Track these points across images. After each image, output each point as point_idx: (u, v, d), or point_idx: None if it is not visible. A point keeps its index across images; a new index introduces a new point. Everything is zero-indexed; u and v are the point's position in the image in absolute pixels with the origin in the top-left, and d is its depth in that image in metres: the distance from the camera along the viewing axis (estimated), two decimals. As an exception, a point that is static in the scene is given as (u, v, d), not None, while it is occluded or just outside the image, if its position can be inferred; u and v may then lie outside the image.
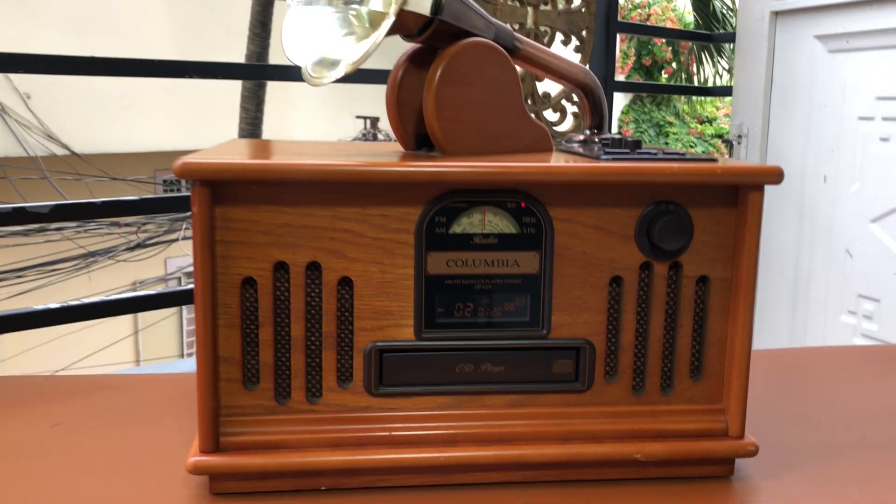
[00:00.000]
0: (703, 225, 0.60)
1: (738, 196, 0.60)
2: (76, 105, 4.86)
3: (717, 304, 0.61)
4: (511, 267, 0.59)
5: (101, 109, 4.88)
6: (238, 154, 0.58)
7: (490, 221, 0.59)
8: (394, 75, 0.64)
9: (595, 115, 0.75)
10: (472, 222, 0.58)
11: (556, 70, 0.71)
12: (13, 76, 4.73)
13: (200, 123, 5.16)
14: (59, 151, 4.82)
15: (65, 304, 1.33)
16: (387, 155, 0.62)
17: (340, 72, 0.58)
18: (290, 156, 0.58)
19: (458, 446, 0.59)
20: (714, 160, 0.60)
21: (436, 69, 0.62)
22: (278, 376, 0.58)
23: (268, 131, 4.96)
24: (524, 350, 0.60)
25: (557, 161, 0.60)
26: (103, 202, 1.12)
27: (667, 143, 7.85)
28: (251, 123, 4.79)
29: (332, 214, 0.57)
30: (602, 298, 0.60)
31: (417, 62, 0.64)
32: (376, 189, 0.57)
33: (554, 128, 1.39)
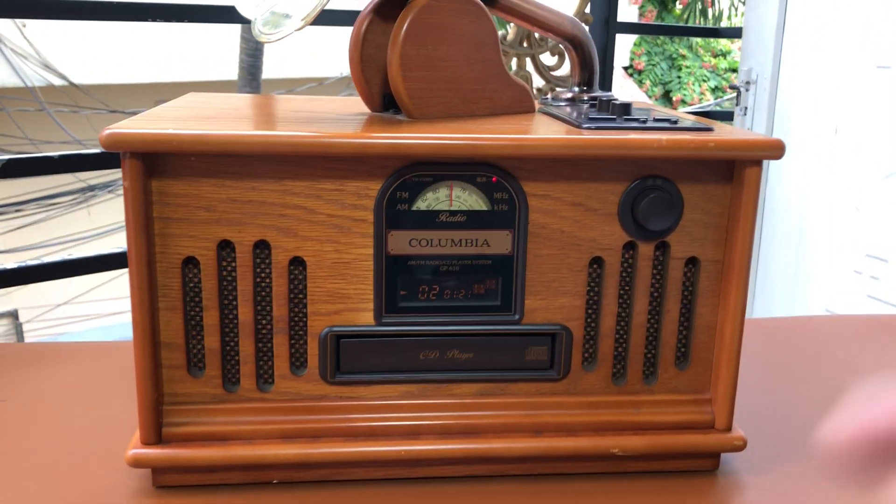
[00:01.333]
0: (693, 202, 0.54)
1: (733, 171, 0.54)
2: (72, 34, 4.74)
3: (706, 287, 0.56)
4: (481, 247, 0.54)
5: (97, 39, 4.76)
6: (179, 120, 0.52)
7: (458, 197, 0.53)
8: (357, 29, 0.58)
9: (585, 70, 0.68)
10: (438, 198, 0.53)
11: (539, 22, 0.64)
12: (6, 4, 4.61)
13: (202, 54, 5.03)
14: (57, 82, 4.73)
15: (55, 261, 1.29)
16: (347, 120, 0.56)
17: (291, 27, 0.51)
18: (235, 123, 0.52)
19: (421, 438, 0.55)
20: (709, 129, 0.54)
21: (401, 23, 0.55)
22: (226, 362, 0.54)
23: (269, 63, 4.86)
24: (495, 336, 0.55)
25: (535, 129, 0.54)
26: (60, 156, 1.06)
27: (679, 77, 7.66)
28: (251, 55, 4.67)
29: (281, 189, 0.51)
30: (581, 281, 0.55)
31: (384, 14, 0.58)
32: (330, 162, 0.51)
33: (552, 72, 1.32)
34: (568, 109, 0.62)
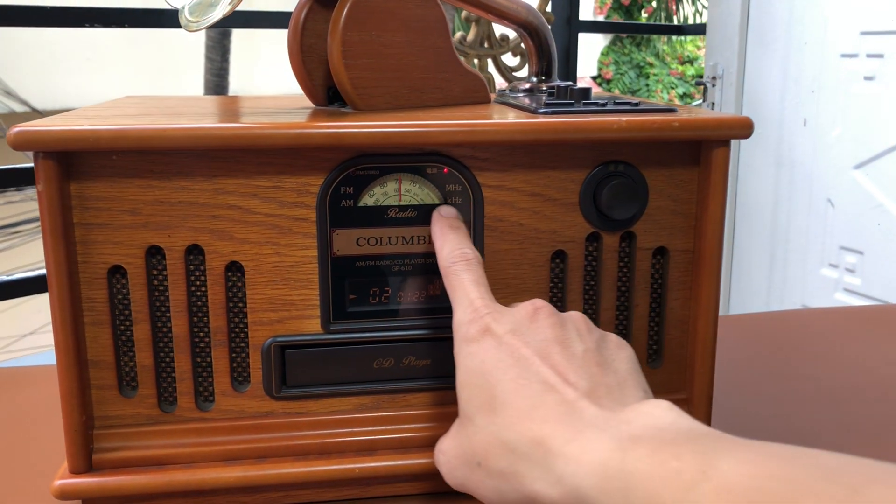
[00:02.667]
0: (659, 188, 0.51)
1: (699, 153, 0.50)
2: (34, 60, 4.67)
3: (677, 279, 0.52)
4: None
5: (60, 63, 4.69)
6: (100, 117, 0.48)
7: (407, 191, 0.49)
8: (295, 17, 0.54)
9: (542, 59, 0.65)
10: (386, 192, 0.49)
11: (491, 7, 0.61)
12: (-34, 30, 4.53)
13: (165, 75, 4.98)
14: (19, 108, 4.64)
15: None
16: (288, 113, 0.52)
17: (218, 14, 0.48)
18: (163, 119, 0.48)
19: (377, 454, 0.51)
20: (672, 110, 0.51)
21: (342, 7, 0.51)
22: (161, 380, 0.49)
23: (235, 81, 4.81)
24: (453, 340, 0.51)
25: (489, 116, 0.50)
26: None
27: (647, 86, 7.71)
28: (217, 74, 4.62)
29: (213, 188, 0.47)
30: (543, 277, 0.51)
31: (324, 1, 0.54)
32: (265, 156, 0.47)
33: (514, 73, 1.29)
34: (526, 100, 0.59)
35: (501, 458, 0.38)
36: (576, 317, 0.42)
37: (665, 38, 8.15)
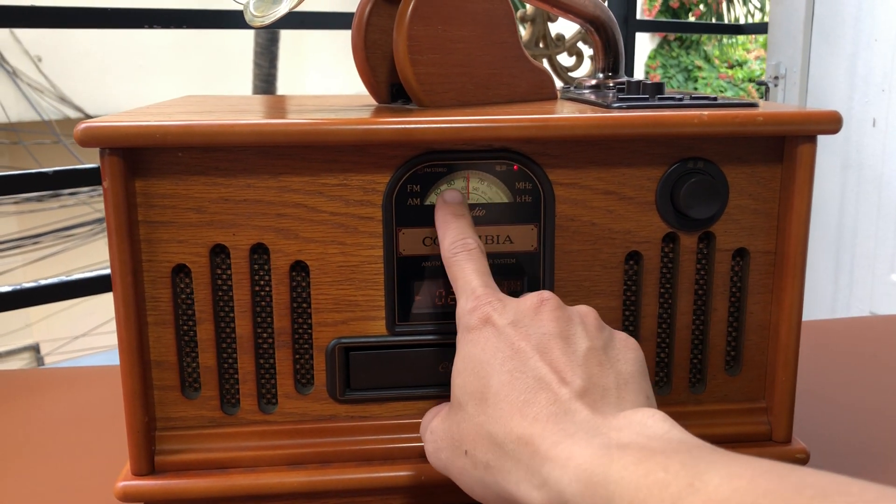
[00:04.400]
0: (740, 186, 0.48)
1: (783, 149, 0.48)
2: (87, 66, 4.77)
3: (757, 282, 0.50)
4: (503, 244, 0.48)
5: (112, 69, 4.78)
6: (165, 114, 0.47)
7: (476, 189, 0.48)
8: (360, 12, 0.53)
9: (609, 55, 0.63)
10: (454, 190, 0.47)
11: (559, 2, 0.59)
12: (23, 39, 4.64)
13: (214, 81, 5.04)
14: (73, 114, 4.74)
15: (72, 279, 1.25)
16: (352, 110, 0.51)
17: (284, 8, 0.46)
18: (227, 116, 0.47)
19: (443, 461, 0.49)
20: (754, 105, 0.48)
21: (408, 1, 0.50)
22: (224, 381, 0.48)
23: (283, 87, 4.85)
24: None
25: (559, 112, 0.48)
26: (55, 172, 1.02)
27: (695, 89, 7.60)
28: (265, 80, 4.67)
29: (278, 186, 0.46)
30: (616, 279, 0.49)
31: (388, -5, 0.53)
32: (331, 153, 0.46)
33: (569, 73, 1.27)
34: (594, 97, 0.57)
35: (488, 451, 0.37)
36: (584, 311, 0.40)
37: (714, 40, 8.03)
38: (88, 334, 4.34)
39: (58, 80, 4.71)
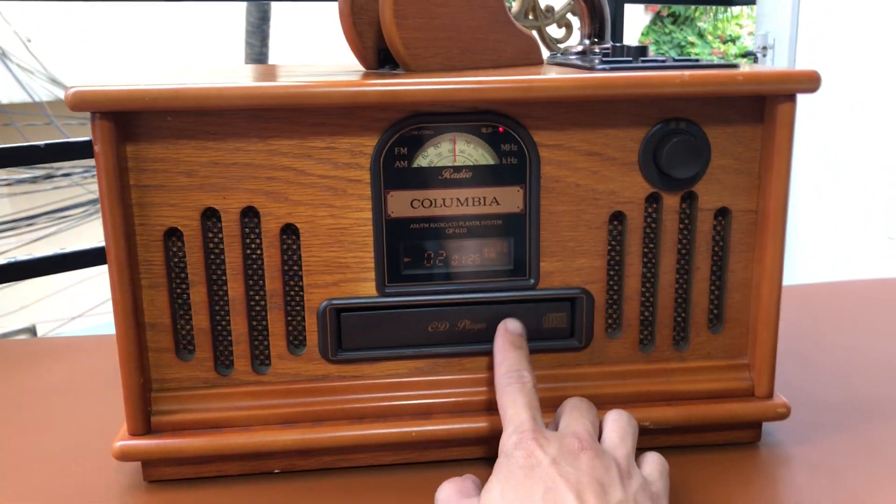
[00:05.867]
0: (721, 146, 0.49)
1: (763, 109, 0.49)
2: (77, 47, 4.74)
3: (739, 240, 0.51)
4: (489, 205, 0.49)
5: (103, 50, 4.76)
6: (155, 77, 0.48)
7: (462, 151, 0.48)
8: (346, -22, 0.53)
9: (594, 20, 0.64)
10: (441, 153, 0.48)
11: (544, -34, 0.59)
12: (13, 20, 4.61)
13: (206, 61, 5.02)
14: (64, 95, 4.72)
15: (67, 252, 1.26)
16: (339, 74, 0.51)
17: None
18: (216, 79, 0.48)
19: (433, 418, 0.50)
20: (735, 66, 0.49)
21: (393, -33, 0.50)
22: (217, 343, 0.49)
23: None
24: (509, 303, 0.50)
25: (544, 75, 0.49)
26: (46, 145, 1.02)
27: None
28: (256, 59, 4.65)
29: (267, 149, 0.47)
30: (601, 239, 0.50)
31: (374, -39, 0.53)
32: (319, 116, 0.46)
33: (559, 45, 1.27)
34: (580, 61, 0.58)
35: None
36: (621, 457, 0.42)
37: (707, 16, 7.99)
38: (85, 315, 4.35)
39: (48, 62, 4.69)
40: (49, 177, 4.16)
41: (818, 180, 2.08)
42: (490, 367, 0.51)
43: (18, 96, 4.63)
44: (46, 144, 0.99)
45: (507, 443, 0.43)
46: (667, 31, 7.85)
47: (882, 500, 0.47)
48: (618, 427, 0.45)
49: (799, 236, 2.16)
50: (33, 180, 4.22)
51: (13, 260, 1.14)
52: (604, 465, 0.41)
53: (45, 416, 0.59)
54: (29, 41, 4.73)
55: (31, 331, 4.75)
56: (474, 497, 0.42)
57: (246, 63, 4.64)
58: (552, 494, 0.38)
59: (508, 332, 0.49)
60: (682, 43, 7.77)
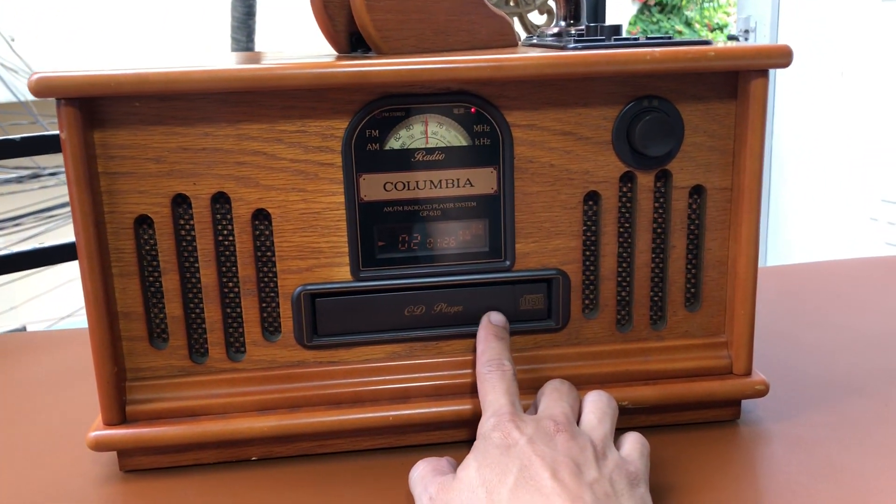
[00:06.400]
0: (694, 123, 0.49)
1: (737, 85, 0.49)
2: (62, 45, 4.71)
3: (715, 218, 0.51)
4: (463, 187, 0.49)
5: (87, 49, 4.73)
6: (120, 62, 0.47)
7: (434, 133, 0.48)
8: (316, -39, 0.53)
9: (570, 2, 0.63)
10: (413, 134, 0.48)
11: (517, -53, 0.59)
12: (-4, 19, 4.57)
13: (191, 59, 4.99)
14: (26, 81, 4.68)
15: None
16: (309, 58, 0.51)
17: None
18: (181, 62, 0.47)
19: (410, 402, 0.50)
20: (707, 42, 0.49)
21: (362, -52, 0.50)
22: (191, 331, 0.49)
23: (261, 62, 4.80)
24: (484, 285, 0.50)
25: (516, 54, 0.48)
26: (22, 139, 1.01)
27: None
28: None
29: (236, 133, 0.46)
30: (576, 219, 0.50)
31: (344, -57, 0.53)
32: (288, 99, 0.46)
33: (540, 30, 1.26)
34: (554, 43, 0.57)
35: None
36: (596, 438, 0.42)
37: (693, 4, 7.99)
38: (74, 315, 4.33)
39: (33, 61, 4.65)
40: (35, 176, 4.13)
41: (800, 161, 2.08)
42: (468, 350, 0.51)
43: (3, 96, 4.59)
44: (23, 138, 0.98)
45: (485, 425, 0.43)
46: (654, 19, 7.86)
47: (861, 476, 0.47)
48: (596, 409, 0.45)
49: (780, 218, 2.17)
50: (19, 180, 4.19)
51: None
52: (579, 445, 0.41)
53: (23, 408, 0.58)
54: (13, 40, 4.69)
55: (22, 331, 4.73)
56: (449, 475, 0.42)
57: (232, 59, 4.61)
58: (527, 471, 0.39)
59: (491, 323, 0.49)
60: (670, 32, 7.77)
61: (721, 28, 8.08)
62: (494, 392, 0.45)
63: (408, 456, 0.50)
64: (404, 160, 0.48)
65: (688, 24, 8.04)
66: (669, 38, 0.51)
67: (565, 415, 0.43)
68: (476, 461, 0.40)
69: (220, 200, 0.47)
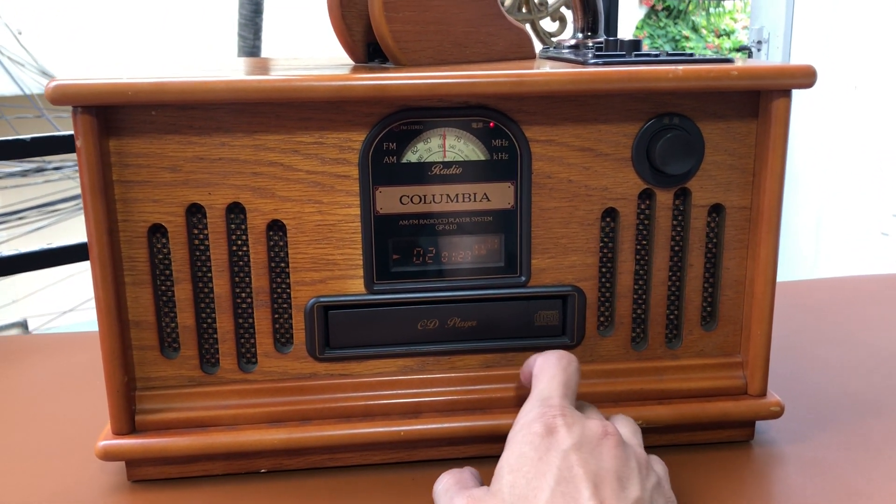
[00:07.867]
0: (715, 142, 0.49)
1: (758, 104, 0.48)
2: (69, 40, 4.71)
3: (733, 237, 0.50)
4: (480, 202, 0.48)
5: (94, 43, 4.72)
6: (139, 70, 0.47)
7: (452, 147, 0.48)
8: (335, -30, 0.52)
9: (587, 14, 0.63)
10: (430, 148, 0.47)
11: (536, -41, 0.58)
12: (3, 12, 4.57)
13: (197, 54, 4.99)
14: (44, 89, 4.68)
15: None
16: (327, 68, 0.50)
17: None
18: (198, 71, 0.47)
19: (422, 417, 0.50)
20: (729, 60, 0.48)
21: (383, -42, 0.50)
22: (203, 341, 0.49)
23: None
24: (499, 301, 0.50)
25: (536, 69, 0.48)
26: (32, 139, 1.01)
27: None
28: (249, 53, 4.63)
29: (253, 144, 0.46)
30: (593, 236, 0.49)
31: (363, -48, 0.52)
32: (306, 110, 0.45)
33: (553, 38, 1.26)
34: (573, 55, 0.57)
35: None
36: (640, 456, 0.40)
37: (701, 10, 7.99)
38: (77, 309, 4.33)
39: (39, 54, 4.65)
40: (40, 170, 4.13)
41: (812, 175, 2.08)
42: (481, 366, 0.50)
43: (9, 89, 4.59)
44: (32, 138, 0.98)
45: (529, 413, 0.40)
46: (661, 24, 7.85)
47: (876, 498, 0.46)
48: (628, 424, 0.44)
49: (791, 232, 2.16)
50: (23, 174, 4.20)
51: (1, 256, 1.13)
52: (626, 455, 0.39)
53: (29, 413, 0.58)
54: (20, 33, 4.69)
55: (23, 325, 4.73)
56: (473, 489, 0.40)
57: (238, 56, 4.62)
58: (567, 485, 0.36)
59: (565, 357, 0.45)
60: (677, 37, 7.76)
61: (728, 34, 8.07)
62: (551, 381, 0.42)
63: (419, 471, 0.49)
64: (421, 174, 0.47)
65: (694, 29, 8.03)
66: (690, 54, 0.50)
67: (614, 427, 0.40)
68: (508, 466, 0.38)
69: (235, 211, 0.47)
